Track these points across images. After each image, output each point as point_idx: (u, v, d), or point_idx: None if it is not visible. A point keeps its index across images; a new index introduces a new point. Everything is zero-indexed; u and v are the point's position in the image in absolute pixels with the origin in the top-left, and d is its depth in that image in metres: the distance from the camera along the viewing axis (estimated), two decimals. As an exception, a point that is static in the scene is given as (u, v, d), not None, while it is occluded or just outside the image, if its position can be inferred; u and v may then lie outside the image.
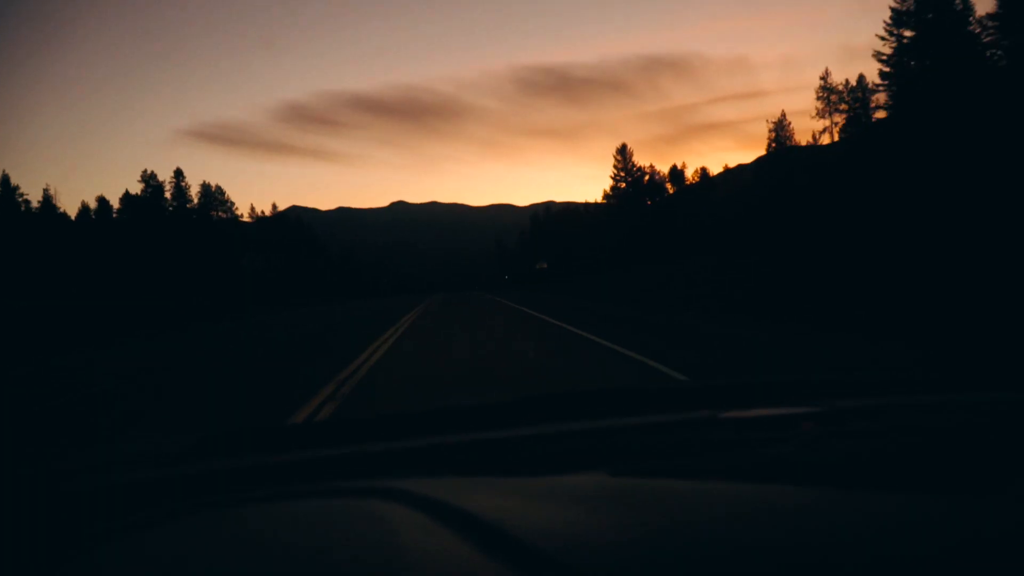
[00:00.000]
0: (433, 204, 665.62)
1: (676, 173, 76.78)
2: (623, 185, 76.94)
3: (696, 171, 77.67)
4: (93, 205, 76.66)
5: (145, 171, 74.40)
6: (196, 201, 77.22)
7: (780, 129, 60.43)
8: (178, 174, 75.81)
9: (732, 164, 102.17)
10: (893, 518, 0.71)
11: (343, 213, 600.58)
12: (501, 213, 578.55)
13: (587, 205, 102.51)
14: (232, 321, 30.98)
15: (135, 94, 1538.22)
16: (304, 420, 5.73)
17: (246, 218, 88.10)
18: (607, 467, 1.07)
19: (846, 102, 51.71)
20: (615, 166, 77.25)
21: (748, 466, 1.04)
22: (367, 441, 1.26)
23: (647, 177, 76.19)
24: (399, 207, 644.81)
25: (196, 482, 1.07)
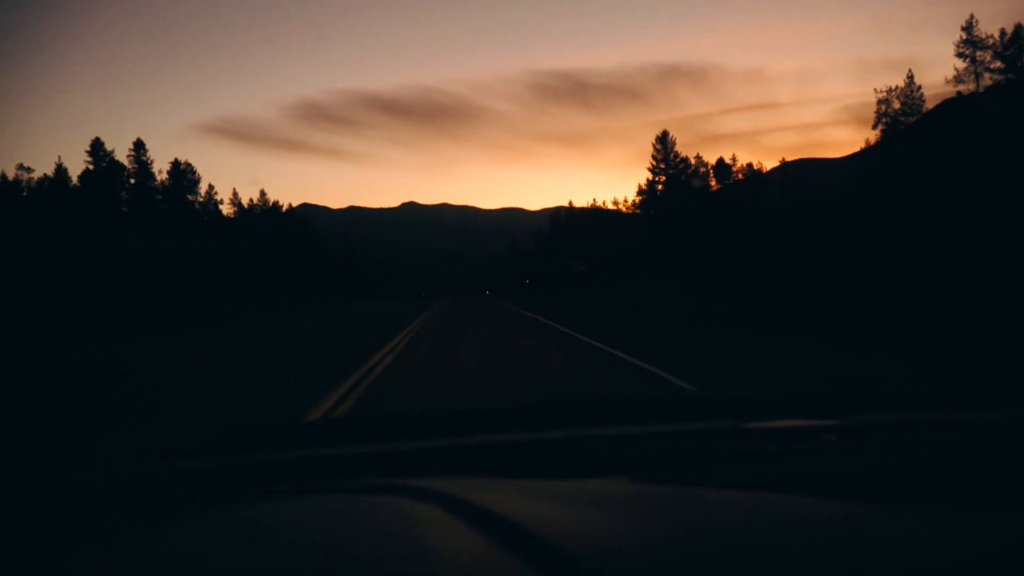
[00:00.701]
0: (444, 206, 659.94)
1: (723, 167, 67.21)
2: (662, 178, 67.53)
3: (742, 165, 68.36)
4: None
5: (96, 140, 61.66)
6: (162, 180, 66.04)
7: (907, 96, 45.37)
8: (138, 146, 63.65)
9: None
10: (914, 532, 0.71)
11: (354, 212, 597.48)
12: (512, 217, 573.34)
13: (615, 204, 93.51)
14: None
15: (150, 88, 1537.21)
16: (326, 416, 5.97)
17: (226, 205, 77.68)
18: (630, 473, 1.05)
19: (1003, 57, 41.52)
20: (653, 156, 67.87)
21: (769, 476, 1.03)
22: (393, 440, 1.26)
23: (691, 169, 66.91)
24: (410, 207, 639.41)
25: (221, 476, 1.07)
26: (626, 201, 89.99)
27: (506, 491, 0.91)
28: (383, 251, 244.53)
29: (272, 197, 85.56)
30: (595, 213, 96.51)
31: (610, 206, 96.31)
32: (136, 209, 60.94)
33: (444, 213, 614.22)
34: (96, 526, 0.84)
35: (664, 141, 67.38)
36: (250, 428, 1.36)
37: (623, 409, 1.58)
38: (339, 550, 0.71)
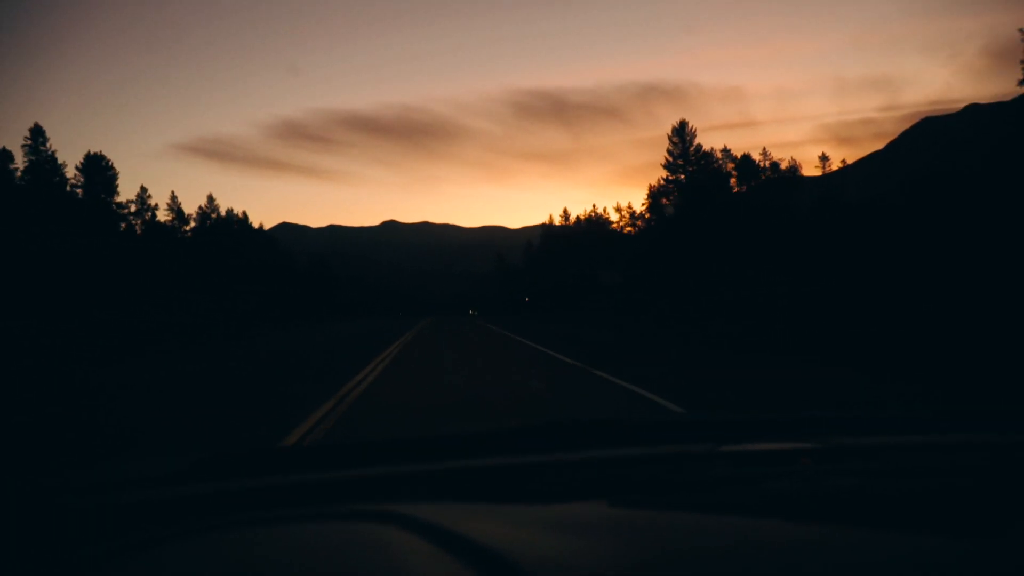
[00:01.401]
0: (425, 224, 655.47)
1: (748, 164, 57.53)
2: (682, 177, 57.40)
3: (765, 158, 58.79)
4: None
5: (35, 126, 52.00)
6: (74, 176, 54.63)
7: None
8: (36, 133, 52.63)
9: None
10: (888, 557, 0.71)
11: (334, 231, 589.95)
12: (493, 235, 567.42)
13: (619, 211, 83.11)
14: None
15: (129, 107, 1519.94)
16: (300, 443, 5.66)
17: (163, 211, 66.05)
18: (607, 497, 1.05)
19: None
20: (669, 152, 57.95)
21: (746, 500, 1.03)
22: (366, 465, 1.25)
23: (715, 164, 57.17)
24: (390, 226, 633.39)
25: (192, 504, 1.06)
26: (628, 209, 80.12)
27: (482, 516, 0.90)
28: (361, 268, 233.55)
29: (253, 217, 73.25)
30: (595, 223, 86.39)
31: (611, 215, 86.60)
32: (30, 203, 50.03)
33: (425, 231, 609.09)
34: (64, 557, 0.82)
35: (682, 133, 57.29)
36: (223, 455, 1.29)
37: (600, 432, 1.55)
38: None
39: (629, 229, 71.92)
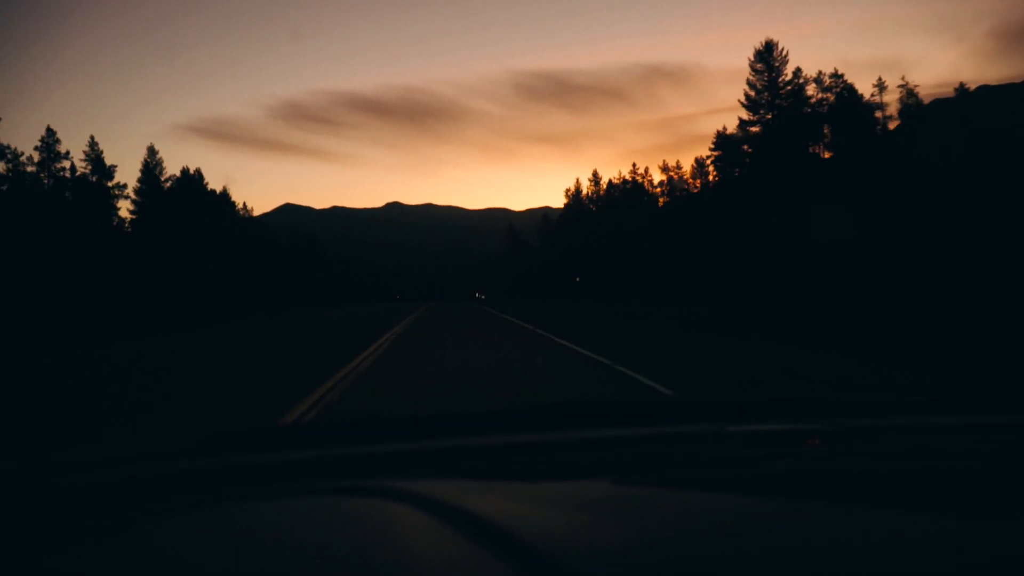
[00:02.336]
0: (429, 206, 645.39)
1: (850, 99, 43.05)
2: (769, 118, 42.36)
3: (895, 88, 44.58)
4: None
5: None
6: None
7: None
8: None
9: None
10: (894, 537, 0.72)
11: (337, 212, 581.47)
12: (497, 217, 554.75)
13: (668, 170, 67.94)
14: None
15: (133, 89, 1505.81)
16: (303, 421, 5.60)
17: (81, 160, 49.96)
18: (612, 476, 1.06)
19: None
20: (749, 83, 43.38)
21: (751, 480, 1.03)
22: (371, 442, 1.26)
23: (813, 100, 42.50)
24: (394, 208, 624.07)
25: (201, 478, 1.06)
26: (677, 168, 65.68)
27: (487, 493, 0.91)
28: (358, 249, 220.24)
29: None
30: (635, 189, 70.01)
31: (654, 177, 70.96)
32: None
33: (429, 213, 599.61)
34: (75, 530, 0.83)
35: (767, 57, 42.39)
36: (231, 432, 1.32)
37: (606, 412, 1.56)
38: (319, 552, 0.71)
39: (709, 170, 57.98)
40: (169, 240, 48.70)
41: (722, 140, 47.24)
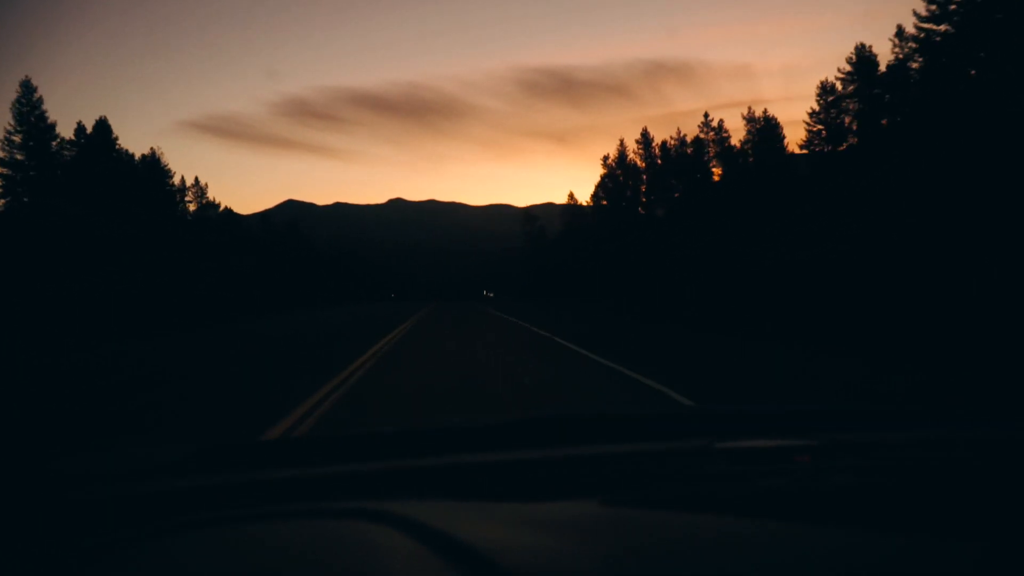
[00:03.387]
0: (431, 202, 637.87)
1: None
2: (914, 47, 30.23)
3: None
4: None
5: None
6: None
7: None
8: None
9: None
10: (882, 557, 0.71)
11: (340, 208, 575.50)
12: (500, 213, 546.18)
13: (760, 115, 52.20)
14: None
15: (137, 85, 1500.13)
16: (290, 436, 5.46)
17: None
18: (600, 495, 1.05)
19: None
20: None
21: (741, 499, 1.03)
22: (356, 460, 1.22)
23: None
24: (397, 204, 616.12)
25: (178, 499, 1.05)
26: (763, 113, 48.46)
27: (472, 515, 0.89)
28: (360, 245, 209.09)
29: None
30: (697, 146, 53.81)
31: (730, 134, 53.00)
32: None
33: (432, 209, 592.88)
34: (60, 550, 0.82)
35: None
36: (211, 448, 1.29)
37: (594, 427, 1.54)
38: None
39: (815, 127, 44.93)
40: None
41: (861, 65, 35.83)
